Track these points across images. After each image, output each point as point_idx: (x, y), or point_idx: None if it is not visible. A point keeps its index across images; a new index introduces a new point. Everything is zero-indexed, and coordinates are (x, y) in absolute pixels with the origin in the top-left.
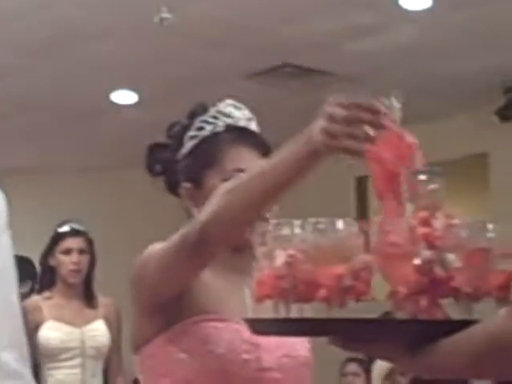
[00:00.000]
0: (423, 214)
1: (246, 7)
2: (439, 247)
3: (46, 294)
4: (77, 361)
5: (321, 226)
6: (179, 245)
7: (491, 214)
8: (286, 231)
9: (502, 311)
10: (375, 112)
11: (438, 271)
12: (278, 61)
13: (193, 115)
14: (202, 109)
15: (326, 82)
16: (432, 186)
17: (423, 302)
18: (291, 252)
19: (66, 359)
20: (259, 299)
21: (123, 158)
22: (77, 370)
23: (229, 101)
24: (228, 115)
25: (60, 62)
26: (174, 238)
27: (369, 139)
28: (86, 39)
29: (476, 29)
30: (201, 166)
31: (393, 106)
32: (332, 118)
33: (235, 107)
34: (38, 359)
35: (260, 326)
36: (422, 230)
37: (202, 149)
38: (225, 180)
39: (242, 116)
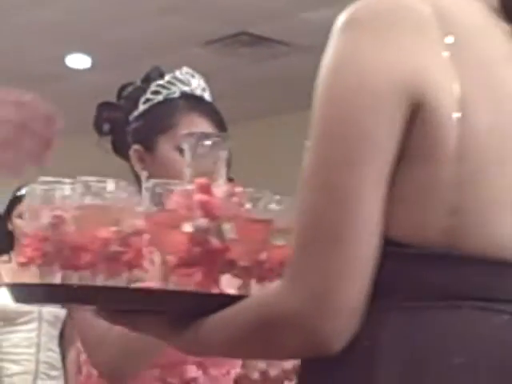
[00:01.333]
0: (202, 180)
1: None
2: (216, 216)
3: (4, 257)
4: (33, 325)
5: (91, 186)
6: None
7: None
8: (52, 190)
9: (272, 286)
10: None
11: (213, 241)
12: (235, 29)
13: (148, 79)
14: (159, 73)
15: (283, 52)
16: (214, 153)
17: (197, 273)
18: (57, 213)
19: (22, 323)
20: (23, 264)
21: (79, 122)
22: (33, 334)
23: (186, 69)
24: (184, 83)
25: (14, 27)
26: None
27: None
28: (39, 4)
29: None
30: (153, 130)
31: None
32: None
33: (192, 76)
34: None
35: (19, 293)
36: (199, 197)
37: (155, 113)
38: (177, 146)
39: (197, 85)
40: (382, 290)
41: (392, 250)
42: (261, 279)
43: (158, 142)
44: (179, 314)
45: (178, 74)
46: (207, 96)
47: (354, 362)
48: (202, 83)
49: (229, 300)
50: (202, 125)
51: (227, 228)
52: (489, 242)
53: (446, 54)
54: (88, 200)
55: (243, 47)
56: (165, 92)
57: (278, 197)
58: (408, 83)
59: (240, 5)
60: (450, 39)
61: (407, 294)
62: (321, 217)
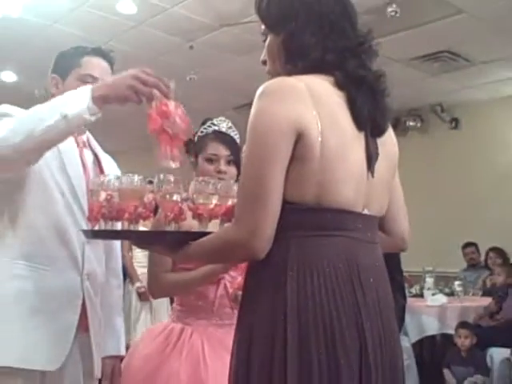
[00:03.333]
0: None
1: (233, 71)
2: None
3: None
4: None
5: (125, 178)
6: None
7: None
8: (106, 179)
9: (226, 226)
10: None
11: (190, 205)
12: (248, 100)
13: (203, 124)
14: (210, 121)
15: None
16: None
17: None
18: (109, 192)
19: None
20: (92, 219)
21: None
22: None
23: (221, 117)
24: (216, 125)
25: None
26: None
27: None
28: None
29: None
30: (197, 150)
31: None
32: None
33: (224, 121)
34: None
35: (92, 235)
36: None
37: (198, 142)
38: (207, 158)
39: (225, 126)
40: (287, 227)
41: (289, 206)
42: (209, 220)
43: (199, 158)
44: (177, 242)
45: (214, 120)
46: (231, 131)
47: (273, 268)
48: (230, 125)
49: (197, 234)
50: (218, 147)
51: (197, 198)
52: (338, 201)
53: (313, 109)
54: (125, 185)
55: None
56: (205, 131)
57: (213, 181)
58: (296, 125)
59: (249, 87)
60: (314, 99)
61: (301, 229)
62: (251, 188)
